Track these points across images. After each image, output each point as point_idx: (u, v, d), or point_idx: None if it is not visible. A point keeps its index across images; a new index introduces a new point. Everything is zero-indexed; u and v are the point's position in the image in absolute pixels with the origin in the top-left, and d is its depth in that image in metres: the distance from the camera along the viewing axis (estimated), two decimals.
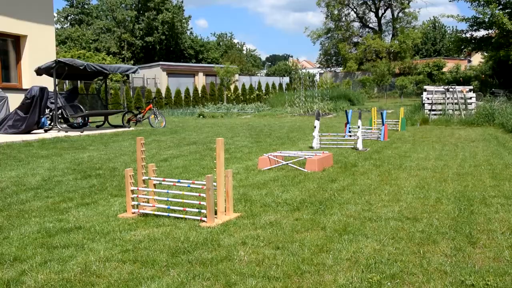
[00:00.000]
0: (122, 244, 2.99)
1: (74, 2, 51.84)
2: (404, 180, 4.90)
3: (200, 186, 3.55)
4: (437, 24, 58.26)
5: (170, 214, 3.59)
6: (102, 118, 13.53)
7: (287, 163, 5.81)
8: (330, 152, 6.19)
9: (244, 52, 63.08)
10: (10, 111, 11.62)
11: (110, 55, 38.85)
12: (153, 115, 13.51)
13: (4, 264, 2.70)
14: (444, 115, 12.72)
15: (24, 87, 13.34)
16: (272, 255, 2.74)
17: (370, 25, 48.83)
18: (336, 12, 46.61)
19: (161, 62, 36.69)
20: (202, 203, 3.77)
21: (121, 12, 46.81)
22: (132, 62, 45.58)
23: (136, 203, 3.71)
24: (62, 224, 3.47)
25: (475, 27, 25.32)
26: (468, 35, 26.39)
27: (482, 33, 26.16)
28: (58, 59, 11.57)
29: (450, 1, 60.98)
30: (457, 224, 3.29)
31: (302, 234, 3.14)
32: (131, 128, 12.57)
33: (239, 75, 37.44)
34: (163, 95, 27.38)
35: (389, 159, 6.33)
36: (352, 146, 7.60)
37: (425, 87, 13.59)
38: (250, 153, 7.08)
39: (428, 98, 13.10)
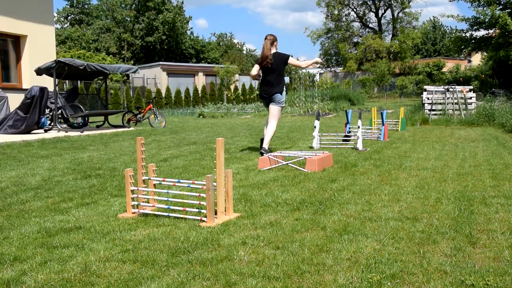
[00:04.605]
0: (122, 244, 2.99)
1: (74, 2, 51.83)
2: (404, 180, 4.90)
3: (200, 186, 3.55)
4: (437, 24, 58.26)
5: (170, 214, 3.59)
6: (102, 118, 13.54)
7: (287, 163, 5.81)
8: (330, 152, 6.19)
9: (244, 52, 63.09)
10: (10, 111, 11.63)
11: (110, 55, 38.86)
12: (153, 115, 13.52)
13: (4, 264, 2.70)
14: (444, 115, 12.71)
15: (24, 87, 13.35)
16: (272, 255, 2.74)
17: (370, 25, 48.84)
18: (336, 12, 46.63)
19: (161, 62, 36.70)
20: (202, 203, 3.77)
21: (120, 12, 46.79)
22: (132, 62, 45.59)
23: (136, 203, 3.71)
24: (62, 224, 3.47)
25: (475, 27, 25.32)
26: (468, 34, 26.39)
27: (482, 33, 26.17)
28: (58, 59, 11.57)
29: (450, 1, 60.95)
30: (457, 224, 3.29)
31: (302, 234, 3.14)
32: (131, 128, 12.57)
33: (239, 75, 37.45)
34: (163, 95, 27.39)
35: (389, 159, 6.33)
36: (352, 146, 7.60)
37: (425, 87, 13.59)
38: (250, 153, 7.08)
39: (428, 98, 13.10)
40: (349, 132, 8.40)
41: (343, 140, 8.05)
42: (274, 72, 6.72)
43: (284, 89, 6.83)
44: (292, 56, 6.93)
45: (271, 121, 6.83)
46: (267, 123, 6.91)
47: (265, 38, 6.78)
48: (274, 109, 6.82)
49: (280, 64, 6.72)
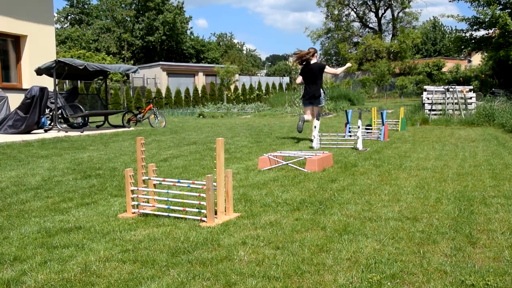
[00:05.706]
0: (122, 244, 2.99)
1: (74, 2, 51.80)
2: (404, 180, 4.90)
3: (200, 186, 3.55)
4: (437, 24, 58.24)
5: (170, 214, 3.59)
6: (102, 118, 13.54)
7: (287, 163, 5.81)
8: (330, 152, 6.19)
9: (244, 52, 63.11)
10: (10, 111, 11.63)
11: (110, 55, 38.85)
12: (153, 115, 13.52)
13: (4, 264, 2.70)
14: (444, 115, 12.71)
15: (24, 87, 13.35)
16: (272, 255, 2.74)
17: (370, 25, 48.82)
18: (336, 12, 46.63)
19: (161, 62, 36.68)
20: (202, 203, 3.77)
21: (120, 12, 46.76)
22: (132, 62, 45.57)
23: (136, 203, 3.71)
24: (62, 224, 3.47)
25: (475, 27, 25.31)
26: (468, 34, 26.38)
27: (482, 33, 26.16)
28: (58, 59, 11.57)
29: (450, 1, 60.90)
30: (457, 224, 3.29)
31: (302, 234, 3.14)
32: (131, 128, 12.57)
33: (239, 75, 37.45)
34: (163, 95, 27.39)
35: (389, 159, 6.33)
36: (352, 146, 7.60)
37: (425, 87, 13.58)
38: (250, 153, 7.07)
39: (428, 98, 13.09)
40: (369, 126, 9.41)
41: (366, 129, 9.14)
42: (314, 78, 8.41)
43: (322, 91, 8.58)
44: (327, 65, 8.82)
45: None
46: (302, 121, 8.51)
47: (308, 50, 8.55)
48: (318, 108, 8.54)
49: (317, 71, 8.40)
